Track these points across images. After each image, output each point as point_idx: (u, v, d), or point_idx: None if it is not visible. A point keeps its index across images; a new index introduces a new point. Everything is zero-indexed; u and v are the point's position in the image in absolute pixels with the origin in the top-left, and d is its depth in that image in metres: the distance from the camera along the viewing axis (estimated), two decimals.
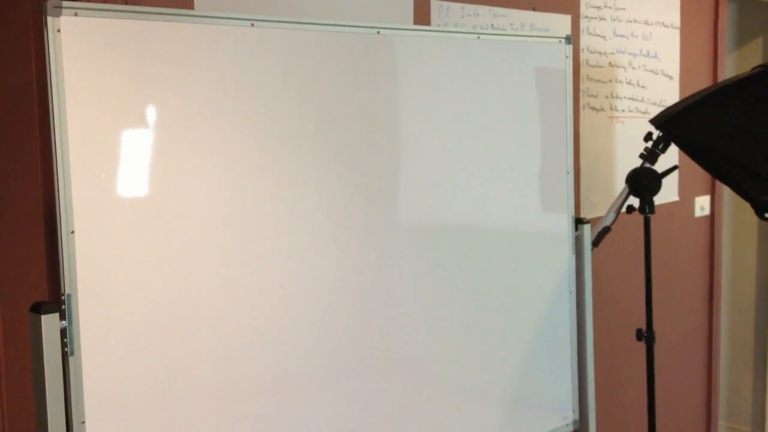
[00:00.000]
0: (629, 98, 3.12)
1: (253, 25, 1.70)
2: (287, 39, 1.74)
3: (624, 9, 3.06)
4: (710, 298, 3.68)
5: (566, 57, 2.29)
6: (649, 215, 2.50)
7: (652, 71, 3.22)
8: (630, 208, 2.52)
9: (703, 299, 3.66)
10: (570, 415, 2.38)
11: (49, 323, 1.45)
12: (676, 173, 3.39)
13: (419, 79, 1.97)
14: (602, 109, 3.02)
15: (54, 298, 1.79)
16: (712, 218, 3.64)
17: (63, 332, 1.47)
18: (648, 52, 3.19)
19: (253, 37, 1.70)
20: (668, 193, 3.36)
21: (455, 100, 2.05)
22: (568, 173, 2.32)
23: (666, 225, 3.40)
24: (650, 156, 2.50)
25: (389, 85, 1.92)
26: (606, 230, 2.53)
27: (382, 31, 1.90)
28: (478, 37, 2.09)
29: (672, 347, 3.52)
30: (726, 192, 3.83)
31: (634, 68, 3.13)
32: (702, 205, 3.58)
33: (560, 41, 2.27)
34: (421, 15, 2.40)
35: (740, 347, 4.30)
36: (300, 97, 1.77)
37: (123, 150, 1.53)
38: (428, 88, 1.99)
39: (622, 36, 3.06)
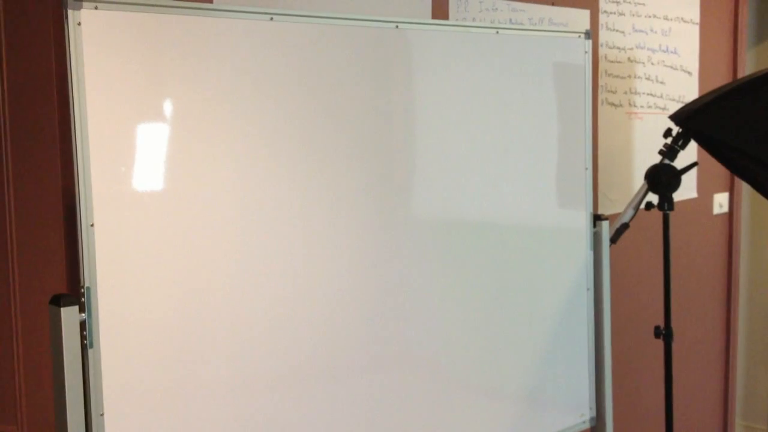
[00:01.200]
0: (648, 94, 3.10)
1: (272, 19, 1.69)
2: (306, 33, 1.74)
3: (643, 4, 3.04)
4: (728, 295, 3.66)
5: (585, 52, 2.27)
6: (668, 212, 2.48)
7: (671, 67, 3.19)
8: (649, 205, 2.50)
9: (721, 297, 3.63)
10: (587, 413, 2.37)
11: (69, 316, 1.45)
12: (694, 170, 3.37)
13: (437, 74, 1.97)
14: (621, 105, 3.00)
15: (73, 290, 1.79)
16: (730, 215, 3.62)
17: (82, 325, 1.47)
18: (667, 48, 3.16)
19: (271, 31, 1.70)
20: (686, 190, 3.34)
21: (473, 95, 2.04)
22: (586, 169, 2.31)
23: (684, 222, 3.38)
24: (670, 152, 2.48)
25: (407, 80, 1.91)
26: (624, 227, 2.52)
27: (400, 25, 1.89)
28: (497, 32, 2.08)
29: (689, 345, 3.50)
30: (745, 189, 3.80)
31: (653, 64, 3.10)
32: (720, 202, 3.55)
33: (579, 36, 2.26)
34: (440, 10, 2.39)
35: (758, 345, 4.27)
36: (318, 92, 1.76)
37: (142, 143, 1.53)
38: (446, 84, 1.99)
39: (641, 31, 3.04)
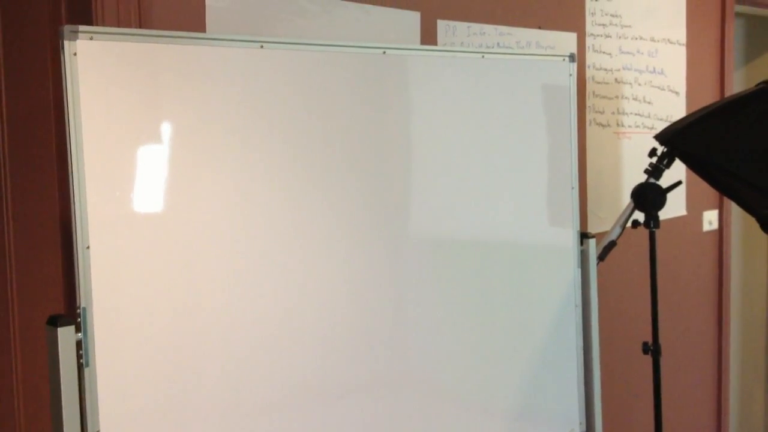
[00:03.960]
0: (636, 114, 3.16)
1: (262, 46, 1.75)
2: (295, 59, 1.80)
3: (630, 26, 3.11)
4: (719, 312, 3.70)
5: (570, 75, 2.33)
6: (654, 230, 2.53)
7: (658, 87, 3.25)
8: (635, 223, 2.55)
9: (712, 313, 3.68)
10: (577, 428, 2.40)
11: (65, 335, 1.50)
12: (683, 188, 3.42)
13: (425, 97, 2.02)
14: (609, 125, 3.06)
15: (71, 311, 1.84)
16: (720, 232, 3.66)
17: (78, 344, 1.52)
18: (654, 69, 3.23)
19: (262, 58, 1.76)
20: (675, 207, 3.39)
21: (461, 117, 2.10)
22: (572, 188, 2.36)
23: (673, 239, 3.43)
24: (655, 171, 2.53)
25: (395, 103, 1.97)
26: (612, 244, 2.57)
27: (388, 51, 1.95)
28: (483, 56, 2.14)
29: (681, 361, 3.53)
30: (735, 206, 3.86)
31: (640, 84, 3.17)
32: (710, 219, 3.60)
33: (564, 59, 2.32)
34: (428, 35, 2.45)
35: (752, 361, 4.31)
36: (308, 115, 1.82)
37: (137, 168, 1.58)
38: (434, 106, 2.04)
39: (627, 53, 3.11)
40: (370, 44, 1.91)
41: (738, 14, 3.93)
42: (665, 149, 2.52)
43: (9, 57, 1.93)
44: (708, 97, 3.52)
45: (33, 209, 1.91)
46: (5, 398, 1.97)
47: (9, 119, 1.92)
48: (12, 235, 1.92)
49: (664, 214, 3.32)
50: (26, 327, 1.93)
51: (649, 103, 3.21)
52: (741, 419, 4.33)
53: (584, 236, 2.39)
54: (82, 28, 1.49)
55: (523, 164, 2.24)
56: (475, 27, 2.56)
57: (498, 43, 2.63)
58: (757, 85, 2.49)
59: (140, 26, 1.80)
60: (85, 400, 1.53)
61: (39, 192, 1.90)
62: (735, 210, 3.97)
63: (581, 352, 2.40)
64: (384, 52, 1.95)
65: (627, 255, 3.17)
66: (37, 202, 1.90)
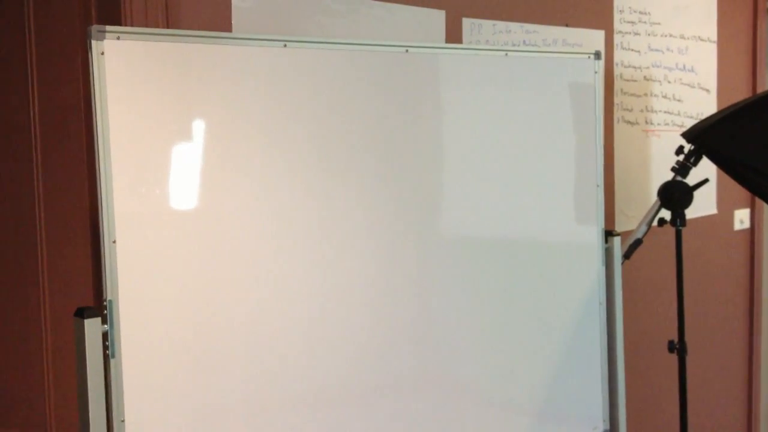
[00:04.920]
0: (665, 112, 3.14)
1: (285, 45, 1.78)
2: (319, 58, 1.83)
3: (659, 24, 3.09)
4: (750, 311, 3.66)
5: (595, 72, 2.33)
6: (680, 228, 2.52)
7: (688, 85, 3.23)
8: (661, 221, 2.54)
9: (744, 313, 3.64)
10: (600, 425, 2.40)
11: (92, 327, 1.54)
12: (714, 186, 3.39)
13: (448, 95, 2.04)
14: (637, 123, 3.04)
15: (98, 303, 1.89)
16: (752, 231, 3.63)
17: (105, 336, 1.56)
18: (684, 66, 3.20)
19: (286, 56, 1.79)
20: (706, 205, 3.36)
21: (485, 115, 2.11)
22: (598, 186, 2.36)
23: (704, 238, 3.40)
24: (682, 169, 2.52)
25: (418, 101, 1.99)
26: (638, 243, 2.56)
27: (410, 50, 1.97)
28: (506, 54, 2.15)
29: (712, 361, 3.50)
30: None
31: (669, 82, 3.15)
32: (741, 218, 3.56)
33: (589, 57, 2.31)
34: (454, 33, 2.47)
35: None
36: (332, 113, 1.84)
37: (162, 165, 1.62)
38: (457, 105, 2.06)
39: (657, 50, 3.09)
40: (393, 43, 1.93)
41: None
42: (692, 147, 2.51)
43: (42, 57, 1.98)
44: (739, 95, 3.48)
45: (64, 204, 1.97)
46: (37, 388, 2.02)
47: (41, 117, 1.98)
48: (44, 229, 1.98)
49: (693, 213, 3.29)
50: (57, 318, 1.98)
51: (679, 100, 3.19)
52: None
53: (609, 234, 2.39)
54: (109, 28, 1.53)
55: (548, 162, 2.25)
56: (501, 25, 2.57)
57: (524, 41, 2.63)
58: None
59: (167, 26, 1.84)
60: (110, 389, 1.57)
61: (70, 187, 1.95)
62: (766, 209, 3.92)
63: (605, 350, 2.40)
64: (406, 51, 1.97)
65: (655, 253, 3.16)
66: (68, 197, 1.96)
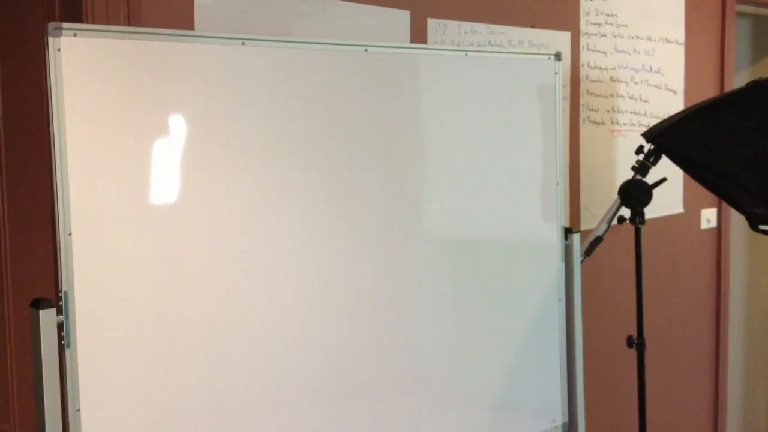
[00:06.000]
0: (631, 112, 3.19)
1: (243, 43, 1.82)
2: (277, 56, 1.86)
3: (625, 26, 3.14)
4: (717, 310, 3.72)
5: (555, 73, 2.38)
6: (639, 226, 2.57)
7: (655, 86, 3.28)
8: (621, 219, 2.59)
9: (710, 311, 3.70)
10: (559, 418, 2.45)
11: (47, 318, 1.58)
12: (680, 185, 3.45)
13: (407, 94, 2.08)
14: (603, 123, 3.09)
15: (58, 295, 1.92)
16: (719, 231, 3.68)
17: (60, 326, 1.60)
18: (651, 68, 3.26)
19: (245, 55, 1.82)
20: (672, 205, 3.42)
21: (446, 115, 2.15)
22: (557, 184, 2.41)
23: (671, 237, 3.46)
24: (641, 168, 2.57)
25: (377, 100, 2.03)
26: (598, 240, 2.61)
27: (369, 49, 2.01)
28: (466, 54, 2.20)
29: (678, 359, 3.56)
30: None
31: (636, 83, 3.20)
32: (708, 217, 3.62)
33: (549, 58, 2.36)
34: (419, 33, 2.51)
35: (756, 360, 4.31)
36: (291, 111, 1.88)
37: (118, 160, 1.66)
38: (417, 104, 2.10)
39: (623, 52, 3.14)
40: (352, 42, 1.97)
41: (744, 14, 3.94)
42: (651, 146, 2.56)
43: (5, 53, 2.01)
44: (707, 96, 3.54)
45: (27, 198, 2.00)
46: (1, 378, 2.06)
47: (5, 113, 2.01)
48: (7, 222, 2.01)
49: (660, 212, 3.34)
50: (20, 311, 2.01)
51: (645, 101, 3.24)
52: (744, 420, 4.34)
53: (568, 231, 2.44)
54: (65, 25, 1.57)
55: (509, 160, 2.29)
56: (466, 26, 2.61)
57: (489, 42, 2.68)
58: (747, 84, 2.52)
59: (129, 24, 1.87)
60: (66, 379, 1.61)
61: (33, 181, 1.99)
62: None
63: (564, 344, 2.44)
64: (366, 50, 2.01)
65: (620, 251, 3.21)
66: (31, 191, 1.99)
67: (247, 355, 1.83)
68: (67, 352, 1.61)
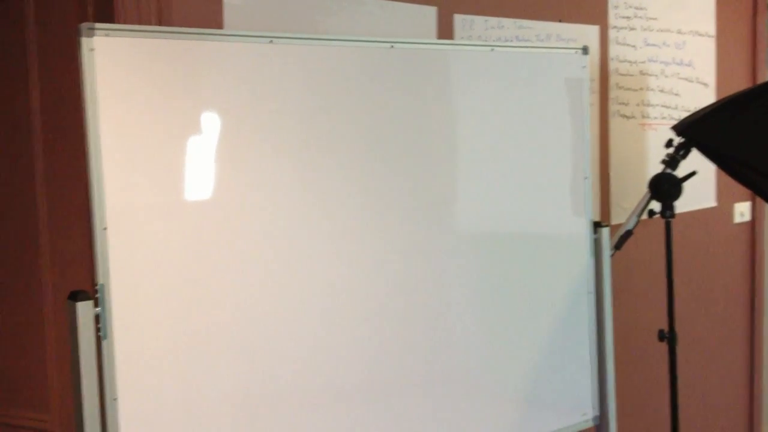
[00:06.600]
0: (662, 105, 3.18)
1: (271, 41, 1.86)
2: (305, 54, 1.90)
3: (655, 19, 3.13)
4: (752, 303, 3.68)
5: (583, 67, 2.38)
6: (669, 219, 2.57)
7: (686, 79, 3.26)
8: (651, 213, 2.59)
9: (744, 306, 3.66)
10: (589, 412, 2.45)
11: (84, 310, 1.62)
12: (713, 179, 3.42)
13: (433, 91, 2.10)
14: (633, 117, 3.08)
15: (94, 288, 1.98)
16: (752, 224, 3.65)
17: (97, 318, 1.65)
18: (681, 61, 3.24)
19: (273, 53, 1.86)
20: (705, 198, 3.39)
21: (472, 110, 2.17)
22: (586, 179, 2.41)
23: (704, 231, 3.43)
24: (671, 162, 2.56)
25: (403, 97, 2.05)
26: (628, 234, 2.61)
27: (395, 45, 2.03)
28: (492, 50, 2.21)
29: (712, 354, 3.53)
30: None
31: (666, 76, 3.18)
32: (742, 211, 3.59)
33: (576, 52, 2.37)
34: (445, 29, 2.53)
35: None
36: (316, 109, 1.91)
37: (152, 157, 1.70)
38: (443, 100, 2.12)
39: (653, 45, 3.13)
40: (377, 38, 2.00)
41: None
42: (681, 140, 2.55)
43: (42, 53, 2.07)
44: (739, 89, 3.51)
45: (66, 194, 2.05)
46: (39, 372, 2.12)
47: (43, 111, 2.07)
48: (46, 217, 2.07)
49: (692, 205, 3.33)
50: (59, 303, 2.07)
51: (676, 94, 3.22)
52: None
53: (597, 225, 2.44)
54: (98, 25, 1.62)
55: (538, 155, 2.30)
56: (493, 21, 2.62)
57: (516, 37, 2.69)
58: None
59: (160, 24, 1.92)
60: (103, 369, 1.65)
61: (71, 178, 2.04)
62: None
63: (594, 338, 2.45)
64: (391, 47, 2.03)
65: (652, 245, 3.20)
66: (69, 187, 2.05)
67: (278, 347, 1.87)
68: (104, 342, 1.66)
